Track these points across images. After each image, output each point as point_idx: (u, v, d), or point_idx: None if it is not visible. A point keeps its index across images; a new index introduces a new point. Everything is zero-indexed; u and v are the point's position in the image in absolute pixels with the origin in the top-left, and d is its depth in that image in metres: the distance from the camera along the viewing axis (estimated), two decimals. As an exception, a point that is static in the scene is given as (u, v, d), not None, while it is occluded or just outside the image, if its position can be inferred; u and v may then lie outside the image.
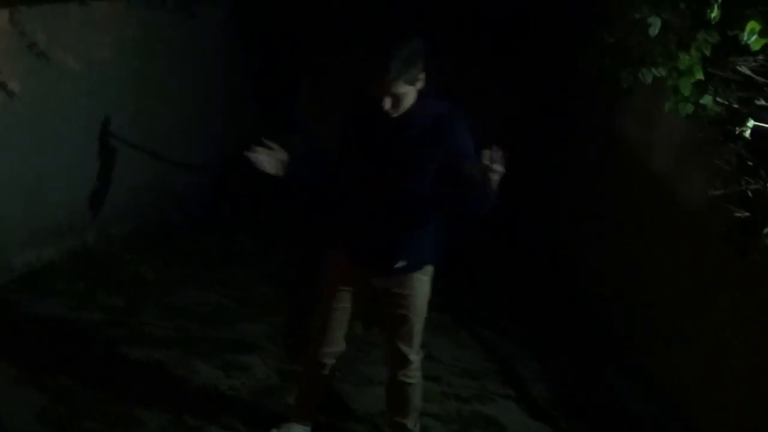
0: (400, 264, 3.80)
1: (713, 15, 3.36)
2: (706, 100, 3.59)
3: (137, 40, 6.66)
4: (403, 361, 4.01)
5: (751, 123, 3.47)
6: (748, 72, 3.62)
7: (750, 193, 3.61)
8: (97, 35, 6.12)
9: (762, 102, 3.55)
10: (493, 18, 9.25)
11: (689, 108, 3.62)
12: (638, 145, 6.44)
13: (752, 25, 3.20)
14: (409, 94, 3.57)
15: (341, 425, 4.41)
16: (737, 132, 3.52)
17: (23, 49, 5.30)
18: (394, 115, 3.59)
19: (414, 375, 4.08)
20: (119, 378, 4.60)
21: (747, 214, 3.59)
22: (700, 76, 3.58)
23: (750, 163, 3.65)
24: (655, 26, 3.58)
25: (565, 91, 8.71)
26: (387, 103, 3.53)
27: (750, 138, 3.51)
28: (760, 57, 3.51)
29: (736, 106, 3.62)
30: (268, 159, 3.72)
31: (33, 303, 5.42)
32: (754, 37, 3.23)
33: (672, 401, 5.16)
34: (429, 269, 3.92)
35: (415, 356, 4.02)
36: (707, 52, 3.56)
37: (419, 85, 3.59)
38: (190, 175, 7.93)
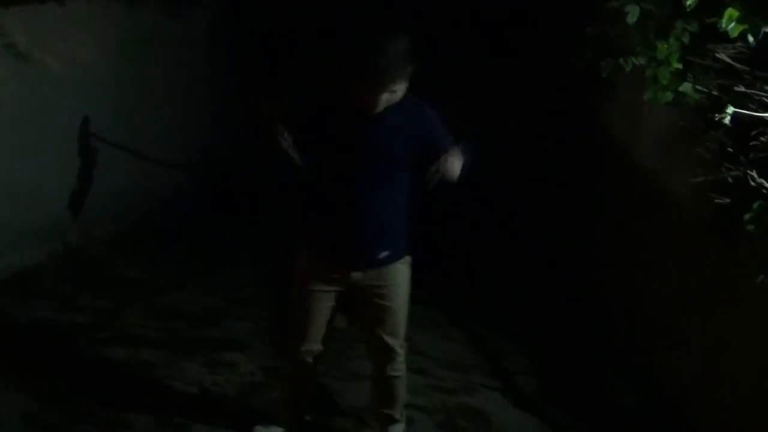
0: (382, 255, 3.78)
1: (690, 2, 3.35)
2: (686, 87, 3.60)
3: (119, 40, 6.65)
4: (391, 355, 3.99)
5: (730, 110, 3.47)
6: (727, 59, 3.63)
7: (730, 180, 3.61)
8: (78, 36, 6.11)
9: (741, 89, 3.56)
10: (491, 17, 9.29)
11: (668, 96, 3.63)
12: (629, 140, 6.45)
13: (730, 12, 3.19)
14: (400, 91, 3.55)
15: (327, 420, 4.39)
16: (717, 119, 3.52)
17: (1, 50, 5.27)
18: (377, 111, 3.58)
19: (400, 368, 4.07)
20: (105, 379, 4.58)
21: (728, 201, 3.59)
22: (677, 65, 3.58)
23: (730, 150, 3.65)
24: (633, 14, 3.58)
25: (563, 90, 8.74)
26: (382, 102, 3.50)
27: (730, 125, 3.51)
28: (739, 44, 3.52)
29: (715, 93, 3.62)
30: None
31: (17, 306, 5.40)
32: (732, 24, 3.22)
33: (671, 400, 5.15)
34: (407, 258, 3.91)
35: (400, 348, 4.01)
36: (686, 40, 3.57)
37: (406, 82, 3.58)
38: (176, 176, 7.93)
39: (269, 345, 5.31)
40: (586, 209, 7.52)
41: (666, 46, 3.53)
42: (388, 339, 3.94)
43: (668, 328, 5.34)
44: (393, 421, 4.18)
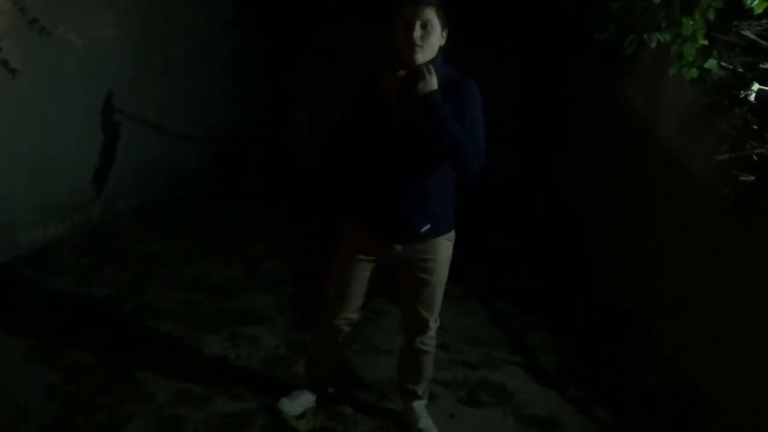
0: (426, 228, 3.80)
1: (716, -21, 3.35)
2: (711, 64, 3.59)
3: (141, 14, 6.64)
4: (423, 328, 4.04)
5: (755, 87, 3.47)
6: (752, 36, 3.61)
7: (755, 157, 3.60)
8: (99, 11, 6.11)
9: (766, 66, 3.54)
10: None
11: (694, 72, 3.62)
12: (645, 113, 6.42)
13: (755, -12, 3.19)
14: (435, 34, 3.59)
15: (349, 394, 4.42)
16: (742, 96, 3.52)
17: (24, 26, 5.28)
18: (419, 57, 3.58)
19: (430, 343, 4.12)
20: (127, 352, 4.62)
21: (752, 178, 3.58)
22: (703, 41, 3.57)
23: (755, 127, 3.64)
24: (657, -10, 3.57)
25: (572, 62, 8.70)
26: (417, 32, 3.54)
27: (755, 102, 3.51)
28: (764, 20, 3.50)
29: (740, 70, 3.61)
30: None
31: (40, 279, 5.45)
32: (756, 1, 3.22)
33: (684, 374, 5.16)
34: (452, 234, 3.93)
35: (433, 323, 4.06)
36: (711, 17, 3.55)
37: (443, 37, 3.63)
38: (196, 150, 7.95)
39: (290, 318, 5.33)
40: (604, 185, 7.50)
41: (692, 22, 3.51)
42: (423, 312, 4.00)
43: (685, 306, 5.34)
44: (416, 397, 4.22)
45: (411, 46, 3.58)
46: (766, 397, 4.34)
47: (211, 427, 3.95)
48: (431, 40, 3.59)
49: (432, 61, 3.64)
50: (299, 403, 4.18)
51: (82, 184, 6.31)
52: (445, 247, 3.92)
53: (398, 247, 3.84)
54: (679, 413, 4.83)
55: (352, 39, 10.03)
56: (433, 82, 3.55)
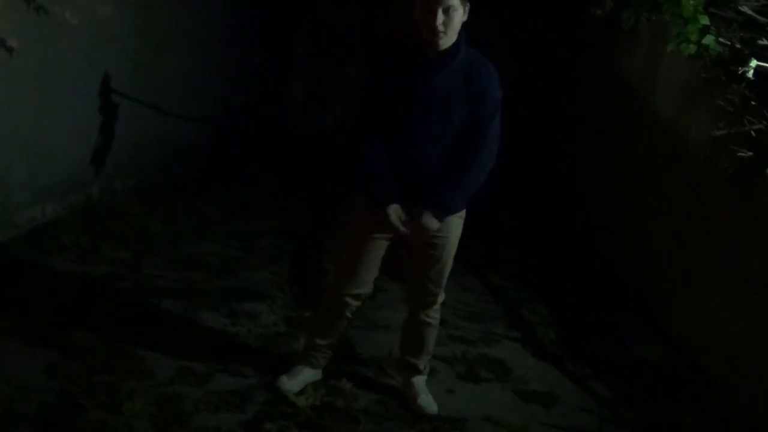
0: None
1: (714, -46, 3.33)
2: (709, 40, 3.57)
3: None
4: (428, 300, 4.10)
5: (753, 63, 3.46)
6: (750, 12, 3.60)
7: (753, 133, 3.61)
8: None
9: (764, 42, 3.54)
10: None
11: (692, 48, 3.60)
12: (645, 89, 6.42)
13: (753, -37, 3.17)
14: (457, 17, 3.60)
15: (348, 369, 4.44)
16: (740, 72, 3.51)
17: (21, 3, 5.25)
18: (443, 42, 3.62)
19: (435, 316, 4.17)
20: (126, 330, 4.62)
21: (750, 154, 3.59)
22: (705, 21, 3.55)
23: (753, 103, 3.64)
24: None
25: (576, 41, 8.68)
26: (440, 18, 3.54)
27: (753, 78, 3.50)
28: (762, -4, 3.50)
29: (738, 46, 3.60)
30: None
31: (39, 259, 5.44)
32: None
33: (687, 350, 5.19)
34: (462, 212, 3.97)
35: (440, 297, 4.12)
36: (709, -7, 3.54)
37: (465, 12, 3.63)
38: (194, 128, 7.94)
39: (289, 295, 5.35)
40: (601, 161, 7.51)
41: (691, 1, 3.49)
42: (431, 287, 4.06)
43: (683, 279, 5.36)
44: (417, 371, 4.25)
45: (434, 35, 3.59)
46: (765, 369, 4.37)
47: (211, 404, 3.96)
48: (454, 24, 3.60)
49: (457, 43, 3.66)
50: (299, 379, 4.20)
51: (80, 164, 6.30)
52: (456, 225, 3.96)
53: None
54: (677, 386, 4.86)
55: (349, 15, 10.03)
56: (432, 225, 3.77)
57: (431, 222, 3.80)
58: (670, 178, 5.77)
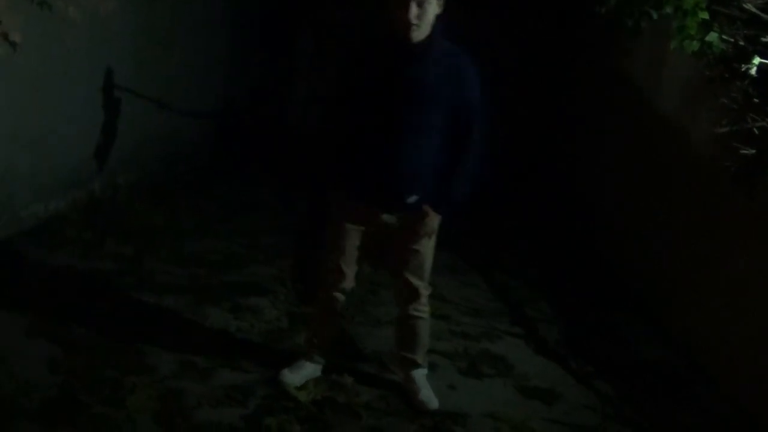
0: (411, 199, 3.85)
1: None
2: (712, 37, 3.58)
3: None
4: (414, 294, 4.11)
5: (757, 60, 3.48)
6: (753, 10, 3.61)
7: (756, 131, 3.61)
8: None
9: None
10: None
11: (695, 45, 3.62)
12: (647, 87, 6.41)
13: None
14: (431, 10, 3.62)
15: (350, 365, 4.45)
16: (743, 69, 3.52)
17: (24, -1, 5.26)
18: (416, 35, 3.64)
19: (423, 309, 4.18)
20: (130, 325, 4.63)
21: (753, 151, 3.60)
22: (704, 15, 3.56)
23: (756, 101, 3.65)
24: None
25: (576, 41, 8.67)
26: (413, 11, 3.56)
27: (756, 75, 3.51)
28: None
29: (742, 43, 3.61)
30: None
31: (42, 254, 5.43)
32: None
33: (688, 350, 5.19)
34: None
35: (424, 290, 4.13)
36: (712, -10, 3.55)
37: (439, 6, 3.65)
38: (196, 124, 7.94)
39: (292, 290, 5.36)
40: (602, 161, 7.51)
41: (693, -2, 3.50)
42: (413, 279, 4.07)
43: (685, 278, 5.36)
44: (415, 365, 4.27)
45: (407, 27, 3.60)
46: (765, 369, 4.37)
47: (214, 398, 3.98)
48: (428, 16, 3.62)
49: (431, 36, 3.66)
50: (301, 374, 4.22)
51: (84, 159, 6.30)
52: (436, 219, 3.96)
53: (385, 217, 3.91)
54: (677, 386, 4.86)
55: (353, 14, 10.01)
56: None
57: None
58: (670, 177, 5.77)
